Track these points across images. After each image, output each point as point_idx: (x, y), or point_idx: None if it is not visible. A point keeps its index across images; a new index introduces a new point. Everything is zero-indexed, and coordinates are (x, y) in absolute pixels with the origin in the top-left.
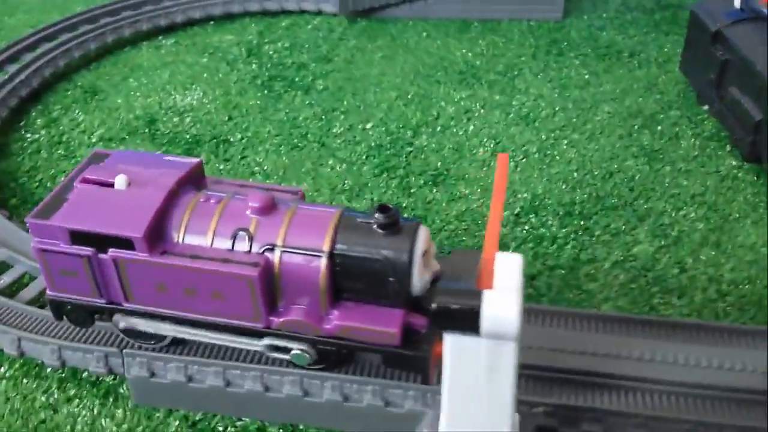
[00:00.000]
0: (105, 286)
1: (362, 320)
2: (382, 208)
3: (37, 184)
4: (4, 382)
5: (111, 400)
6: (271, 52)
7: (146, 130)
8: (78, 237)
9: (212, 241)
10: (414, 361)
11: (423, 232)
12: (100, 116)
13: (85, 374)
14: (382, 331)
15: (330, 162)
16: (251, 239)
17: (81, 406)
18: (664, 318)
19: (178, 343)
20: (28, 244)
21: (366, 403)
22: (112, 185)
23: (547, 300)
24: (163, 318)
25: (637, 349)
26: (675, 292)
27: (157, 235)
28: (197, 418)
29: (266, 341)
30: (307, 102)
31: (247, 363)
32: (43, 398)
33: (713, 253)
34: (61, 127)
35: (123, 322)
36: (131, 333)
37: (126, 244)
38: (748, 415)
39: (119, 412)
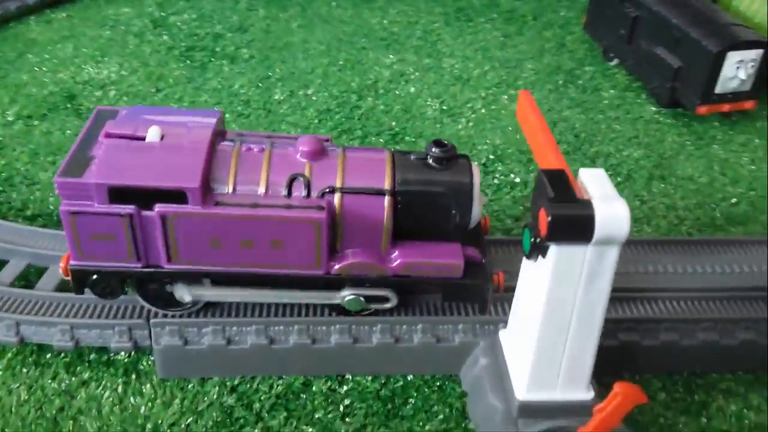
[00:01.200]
0: (144, 248)
1: (425, 256)
2: (438, 143)
3: None
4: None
5: (133, 377)
6: (179, 24)
7: (68, 105)
8: (118, 194)
9: (266, 189)
10: (475, 291)
11: (475, 165)
12: (7, 94)
13: (92, 355)
14: (447, 263)
15: (283, 127)
16: (308, 184)
17: (101, 387)
18: (671, 237)
19: (209, 307)
20: None
21: (417, 342)
22: (142, 138)
23: None
24: (210, 275)
25: (657, 264)
26: (642, 221)
27: (208, 186)
28: (235, 383)
29: (345, 292)
30: (237, 71)
31: (288, 317)
32: (54, 385)
33: (662, 185)
34: None
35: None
36: (160, 300)
37: (177, 197)
38: (755, 309)
39: (147, 388)
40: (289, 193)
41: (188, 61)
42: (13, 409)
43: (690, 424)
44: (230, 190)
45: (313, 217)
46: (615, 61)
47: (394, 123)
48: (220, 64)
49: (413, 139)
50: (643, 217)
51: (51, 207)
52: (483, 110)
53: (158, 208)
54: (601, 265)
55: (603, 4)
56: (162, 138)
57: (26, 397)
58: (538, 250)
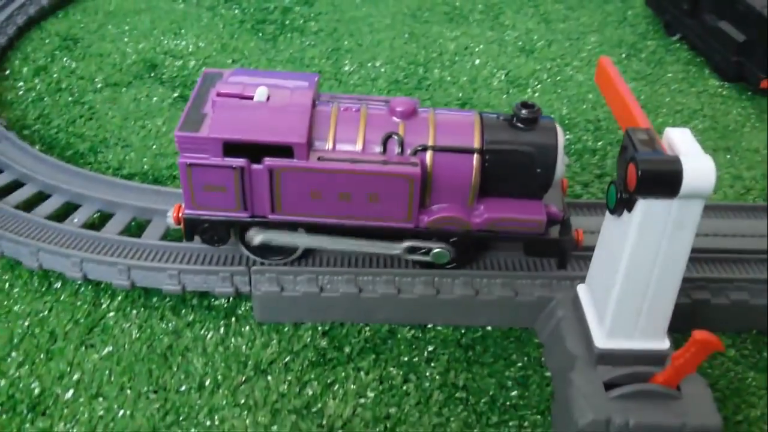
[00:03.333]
0: (251, 199)
1: (509, 211)
2: (525, 105)
3: (55, 129)
4: (112, 314)
5: (233, 320)
6: None
7: (151, 74)
8: (232, 148)
9: (363, 146)
10: (556, 246)
11: (559, 127)
12: (93, 63)
13: (194, 300)
14: (530, 219)
15: None
16: (402, 142)
17: (204, 328)
18: (740, 203)
19: (303, 257)
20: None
21: (497, 295)
22: (250, 98)
23: None
24: (310, 227)
25: (726, 227)
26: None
27: (311, 142)
28: (326, 328)
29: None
30: (306, 43)
31: (376, 268)
32: (162, 325)
33: (728, 156)
34: (54, 75)
35: (261, 236)
36: (260, 250)
37: (284, 152)
38: None
39: (246, 330)
40: (385, 150)
41: (260, 34)
42: (126, 345)
43: (759, 378)
44: (331, 147)
45: (409, 172)
46: (677, 36)
47: (461, 93)
48: (291, 36)
49: (482, 109)
50: None
51: (145, 167)
52: (548, 80)
53: (267, 161)
54: (686, 218)
55: None
56: (268, 98)
57: (137, 335)
58: (625, 204)
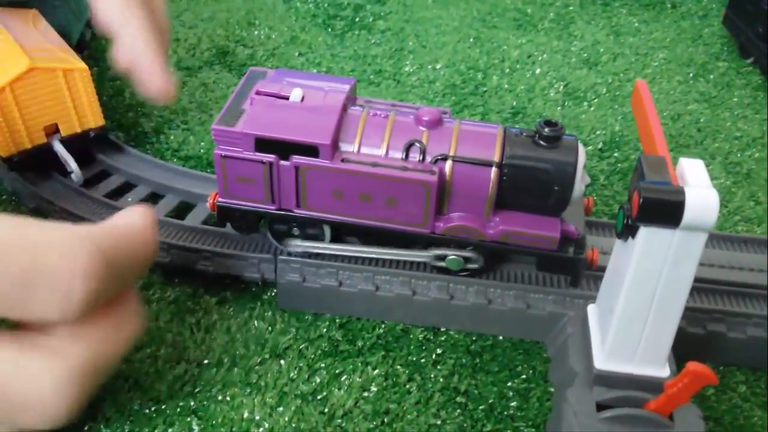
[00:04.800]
0: (279, 193)
1: (523, 225)
2: (549, 123)
3: (125, 108)
4: (152, 289)
5: (258, 304)
6: None
7: (221, 61)
8: (263, 144)
9: (386, 151)
10: (569, 264)
11: (581, 146)
12: (171, 47)
13: (227, 281)
14: (543, 235)
15: (409, 98)
16: (424, 150)
17: (231, 309)
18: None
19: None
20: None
21: (509, 307)
22: (286, 98)
23: None
24: (330, 223)
25: (757, 262)
26: (754, 221)
27: (337, 144)
28: (344, 321)
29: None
30: (372, 41)
31: (393, 269)
32: (190, 303)
33: None
34: None
35: (296, 244)
36: (285, 239)
37: (310, 151)
38: None
39: (269, 315)
40: (407, 157)
41: (329, 29)
42: (158, 316)
43: (765, 418)
44: (356, 150)
45: (426, 179)
46: (751, 59)
47: (515, 102)
48: (358, 33)
49: (531, 120)
50: (755, 218)
51: (201, 151)
52: (607, 95)
53: (294, 159)
54: (687, 250)
55: None
56: (302, 99)
57: (171, 308)
58: (629, 230)
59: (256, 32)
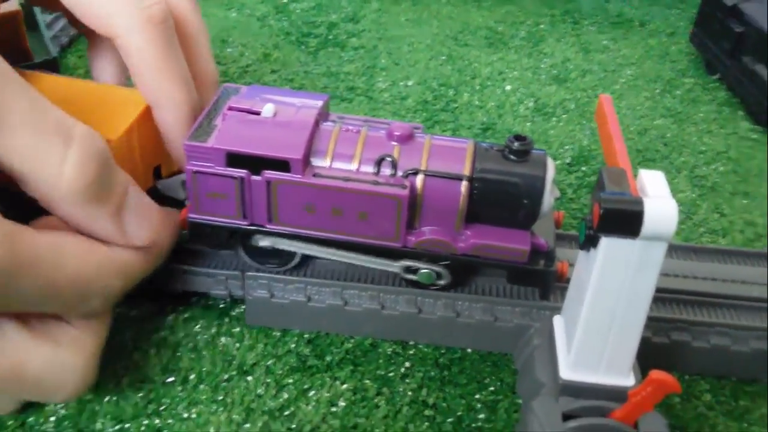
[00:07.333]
0: (251, 209)
1: (493, 239)
2: (518, 138)
3: None
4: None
5: (226, 320)
6: (298, 11)
7: None
8: (234, 159)
9: (358, 166)
10: (539, 277)
11: (550, 160)
12: None
13: (194, 298)
14: (513, 248)
15: (382, 113)
16: (395, 164)
17: (198, 326)
18: (739, 248)
19: (297, 268)
20: None
21: (477, 319)
22: (258, 113)
23: None
24: (302, 239)
25: (720, 272)
26: (719, 233)
27: (308, 159)
28: (312, 336)
29: (403, 263)
30: (345, 58)
31: (361, 283)
32: (156, 320)
33: (744, 201)
34: None
35: (263, 241)
36: (259, 257)
37: (282, 166)
38: None
39: (236, 331)
40: (378, 171)
41: (303, 47)
42: (119, 332)
43: (731, 427)
44: (328, 164)
45: (396, 193)
46: (717, 75)
47: (485, 118)
48: (332, 51)
49: (501, 135)
50: (720, 230)
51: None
52: (575, 110)
53: (266, 174)
54: (648, 259)
55: (710, 17)
56: (274, 114)
57: (131, 325)
58: (591, 241)
59: (229, 50)
